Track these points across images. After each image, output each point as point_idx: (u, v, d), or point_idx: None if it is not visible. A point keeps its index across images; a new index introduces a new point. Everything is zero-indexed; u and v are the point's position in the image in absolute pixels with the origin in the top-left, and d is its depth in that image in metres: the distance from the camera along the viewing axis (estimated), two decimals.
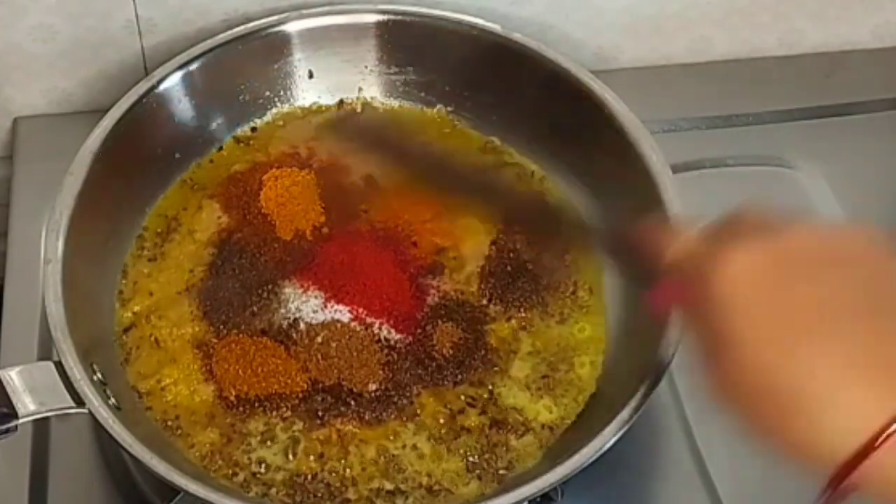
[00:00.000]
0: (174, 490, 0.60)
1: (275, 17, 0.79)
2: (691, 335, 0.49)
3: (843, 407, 0.43)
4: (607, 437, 0.61)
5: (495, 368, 0.70)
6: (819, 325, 0.44)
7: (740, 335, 0.45)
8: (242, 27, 0.78)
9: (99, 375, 0.64)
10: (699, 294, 0.47)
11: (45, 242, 0.68)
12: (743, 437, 0.47)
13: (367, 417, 0.68)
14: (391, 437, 0.67)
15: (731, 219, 0.50)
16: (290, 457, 0.66)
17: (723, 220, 0.50)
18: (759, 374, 0.44)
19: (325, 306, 0.72)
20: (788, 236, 0.46)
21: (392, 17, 0.80)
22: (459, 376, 0.70)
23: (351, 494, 0.65)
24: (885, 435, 0.41)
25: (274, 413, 0.67)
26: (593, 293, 0.74)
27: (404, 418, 0.68)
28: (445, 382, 0.69)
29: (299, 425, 0.67)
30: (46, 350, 0.71)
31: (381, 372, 0.69)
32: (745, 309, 0.45)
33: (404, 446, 0.67)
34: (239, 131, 0.80)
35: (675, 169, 0.72)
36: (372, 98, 0.82)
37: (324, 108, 0.82)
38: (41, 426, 0.69)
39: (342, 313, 0.71)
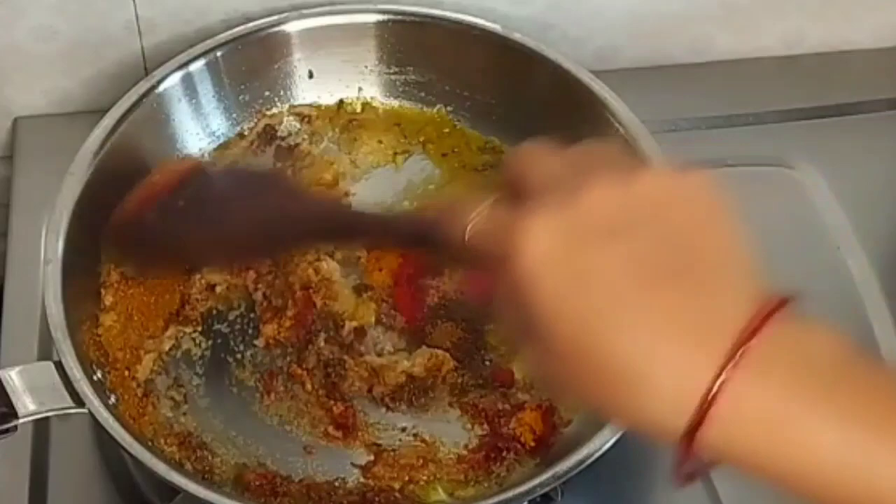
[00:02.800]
0: (174, 490, 0.60)
1: (275, 17, 0.79)
2: (509, 324, 0.45)
3: (666, 372, 0.40)
4: (607, 437, 0.61)
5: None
6: (625, 289, 0.40)
7: (546, 313, 0.41)
8: (242, 27, 0.78)
9: (98, 375, 0.64)
10: (502, 275, 0.43)
11: (45, 242, 0.68)
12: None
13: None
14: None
15: (519, 180, 0.46)
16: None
17: (510, 182, 0.47)
18: (575, 352, 0.41)
19: None
20: (587, 195, 0.42)
21: (392, 17, 0.80)
22: None
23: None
24: (714, 390, 0.39)
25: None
26: None
27: None
28: None
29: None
30: (46, 350, 0.71)
31: None
32: (546, 283, 0.41)
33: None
34: (239, 131, 0.80)
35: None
36: (372, 98, 0.82)
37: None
38: (41, 426, 0.69)
39: None
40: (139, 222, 0.65)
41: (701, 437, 0.40)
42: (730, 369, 0.39)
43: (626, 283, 0.41)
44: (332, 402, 0.68)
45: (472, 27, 0.79)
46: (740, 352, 0.39)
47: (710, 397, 0.39)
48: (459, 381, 0.69)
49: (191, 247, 0.65)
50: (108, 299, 0.70)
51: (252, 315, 0.72)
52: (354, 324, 0.71)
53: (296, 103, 0.81)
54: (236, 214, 0.63)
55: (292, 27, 0.79)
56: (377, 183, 0.79)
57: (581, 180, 0.43)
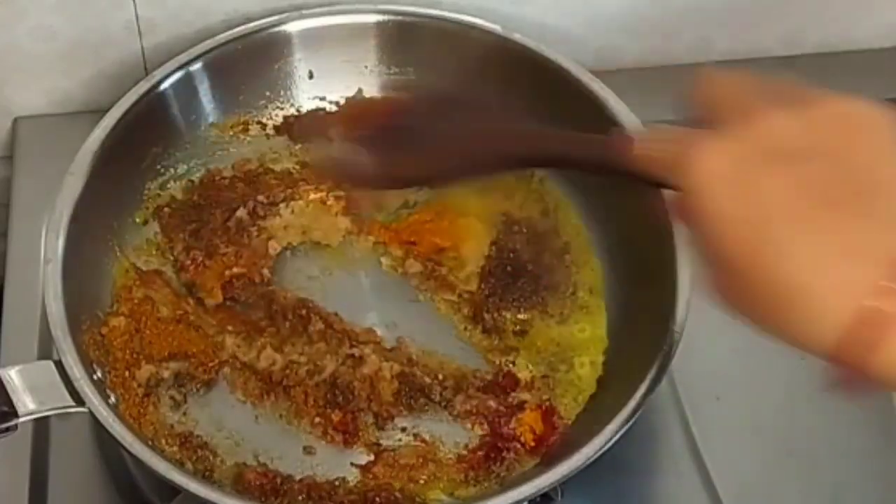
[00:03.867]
0: (174, 490, 0.60)
1: (275, 17, 0.79)
2: (693, 240, 0.47)
3: (830, 287, 0.41)
4: (607, 437, 0.61)
5: None
6: (794, 207, 0.42)
7: (715, 229, 0.44)
8: (242, 27, 0.78)
9: (98, 375, 0.64)
10: (680, 193, 0.46)
11: (45, 242, 0.68)
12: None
13: None
14: None
15: (709, 105, 0.48)
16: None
17: (696, 97, 0.49)
18: (741, 267, 0.43)
19: None
20: (765, 120, 0.45)
21: (392, 17, 0.80)
22: None
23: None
24: (870, 306, 0.40)
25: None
26: (593, 293, 0.74)
27: None
28: None
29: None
30: (46, 350, 0.71)
31: None
32: (716, 200, 0.44)
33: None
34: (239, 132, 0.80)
35: None
36: (371, 97, 0.82)
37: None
38: (41, 426, 0.69)
39: None
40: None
41: (856, 355, 0.41)
42: (887, 288, 0.41)
43: (796, 202, 0.42)
44: (330, 411, 0.68)
45: (471, 27, 0.79)
46: None
47: (868, 316, 0.41)
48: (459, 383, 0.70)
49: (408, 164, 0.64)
50: (122, 308, 0.71)
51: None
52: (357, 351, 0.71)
53: (296, 103, 0.81)
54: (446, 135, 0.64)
55: (292, 27, 0.79)
56: None
57: (758, 110, 0.45)
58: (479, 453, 0.67)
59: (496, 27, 0.79)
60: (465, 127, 0.63)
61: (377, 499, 0.65)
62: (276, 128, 0.81)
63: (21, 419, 0.58)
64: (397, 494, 0.65)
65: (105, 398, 0.62)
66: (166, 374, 0.68)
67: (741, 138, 0.44)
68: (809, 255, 0.42)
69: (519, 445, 0.67)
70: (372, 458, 0.67)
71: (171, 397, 0.68)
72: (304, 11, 0.79)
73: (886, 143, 0.44)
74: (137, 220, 0.75)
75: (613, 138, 0.52)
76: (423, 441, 0.67)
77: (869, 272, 0.41)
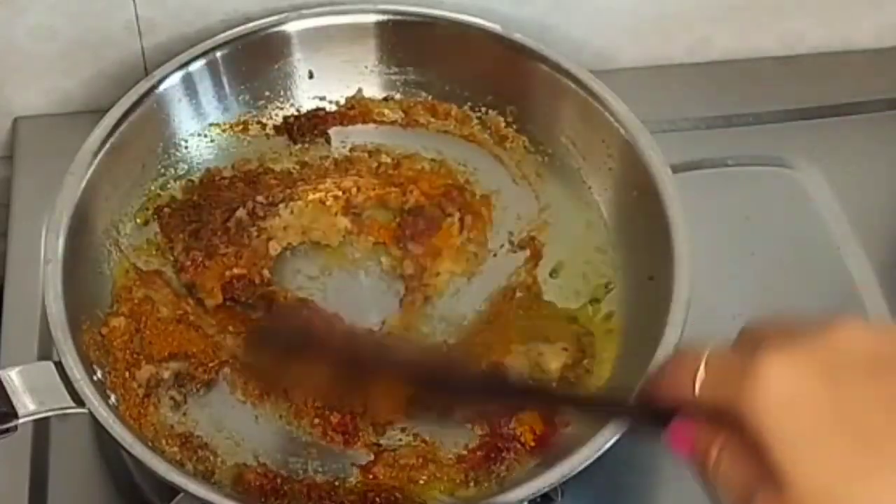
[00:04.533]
0: (174, 490, 0.60)
1: (275, 17, 0.79)
2: (718, 481, 0.41)
3: None
4: (607, 437, 0.60)
5: None
6: (889, 432, 0.36)
7: (791, 457, 0.36)
8: (242, 27, 0.78)
9: (99, 375, 0.64)
10: (733, 423, 0.39)
11: (45, 242, 0.68)
12: None
13: None
14: None
15: (753, 328, 0.42)
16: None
17: (744, 332, 0.43)
18: (821, 501, 0.36)
19: None
20: (837, 332, 0.38)
21: (392, 17, 0.80)
22: None
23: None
24: None
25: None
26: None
27: None
28: None
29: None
30: (46, 350, 0.71)
31: None
32: (794, 423, 0.37)
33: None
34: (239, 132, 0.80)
35: (675, 169, 0.72)
36: (371, 97, 0.82)
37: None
38: (41, 426, 0.69)
39: None
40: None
41: None
42: None
43: (890, 426, 0.36)
44: (329, 412, 0.68)
45: (472, 27, 0.79)
46: None
47: None
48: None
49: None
50: (122, 308, 0.70)
51: None
52: None
53: (296, 104, 0.81)
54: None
55: (292, 27, 0.79)
56: None
57: (824, 323, 0.39)
58: (479, 453, 0.67)
59: (496, 27, 0.79)
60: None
61: (377, 499, 0.65)
62: (276, 128, 0.81)
63: (21, 420, 0.58)
64: (397, 495, 0.65)
65: (105, 399, 0.62)
66: (166, 374, 0.68)
67: (812, 349, 0.37)
68: None
69: (519, 445, 0.67)
70: (372, 458, 0.67)
71: (172, 398, 0.68)
72: (304, 11, 0.79)
73: None
74: (138, 220, 0.75)
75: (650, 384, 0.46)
76: (423, 441, 0.67)
77: None
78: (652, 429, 0.48)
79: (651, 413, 0.45)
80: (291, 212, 0.76)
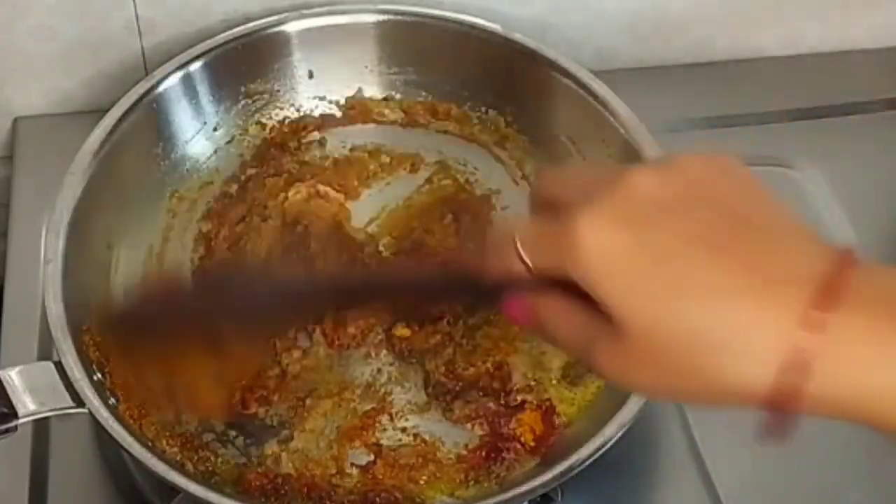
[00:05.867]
0: (174, 490, 0.60)
1: (275, 17, 0.79)
2: (565, 335, 0.44)
3: (751, 333, 0.39)
4: (607, 438, 0.61)
5: None
6: (696, 258, 0.40)
7: (620, 304, 0.41)
8: (242, 27, 0.78)
9: (99, 375, 0.64)
10: (566, 285, 0.42)
11: (45, 242, 0.68)
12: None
13: None
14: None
15: (545, 196, 0.45)
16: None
17: (537, 197, 0.46)
18: (653, 339, 0.40)
19: None
20: (629, 180, 0.42)
21: (392, 17, 0.80)
22: None
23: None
24: (804, 339, 0.38)
25: None
26: None
27: None
28: None
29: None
30: (46, 350, 0.71)
31: None
32: (615, 273, 0.40)
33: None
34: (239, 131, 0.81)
35: None
36: (371, 97, 0.82)
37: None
38: (41, 426, 0.69)
39: None
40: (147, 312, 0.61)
41: (794, 390, 0.39)
42: (817, 316, 0.38)
43: (697, 253, 0.40)
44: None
45: (472, 27, 0.79)
46: (825, 297, 0.39)
47: (801, 347, 0.38)
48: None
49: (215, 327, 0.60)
50: None
51: None
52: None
53: (296, 104, 0.81)
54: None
55: (292, 27, 0.79)
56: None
57: (615, 176, 0.42)
58: (479, 453, 0.67)
59: (496, 27, 0.79)
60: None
61: (377, 499, 0.64)
62: (275, 128, 0.81)
63: (21, 420, 0.58)
64: (397, 495, 0.65)
65: (105, 399, 0.62)
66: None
67: (613, 202, 0.41)
68: (728, 303, 0.39)
69: (519, 445, 0.67)
70: (372, 458, 0.67)
71: None
72: (304, 11, 0.79)
73: (753, 182, 0.43)
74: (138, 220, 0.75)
75: (473, 264, 0.47)
76: (423, 441, 0.67)
77: (790, 303, 0.39)
78: (488, 305, 0.52)
79: (484, 292, 0.48)
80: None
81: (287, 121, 0.81)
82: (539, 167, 0.79)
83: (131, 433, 0.60)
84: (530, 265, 0.44)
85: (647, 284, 0.40)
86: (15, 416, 0.58)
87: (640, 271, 0.40)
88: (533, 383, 0.69)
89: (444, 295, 0.59)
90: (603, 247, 0.41)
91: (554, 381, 0.69)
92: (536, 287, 0.44)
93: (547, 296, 0.44)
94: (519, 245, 0.44)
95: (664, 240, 0.41)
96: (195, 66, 0.76)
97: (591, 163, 0.44)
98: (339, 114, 0.82)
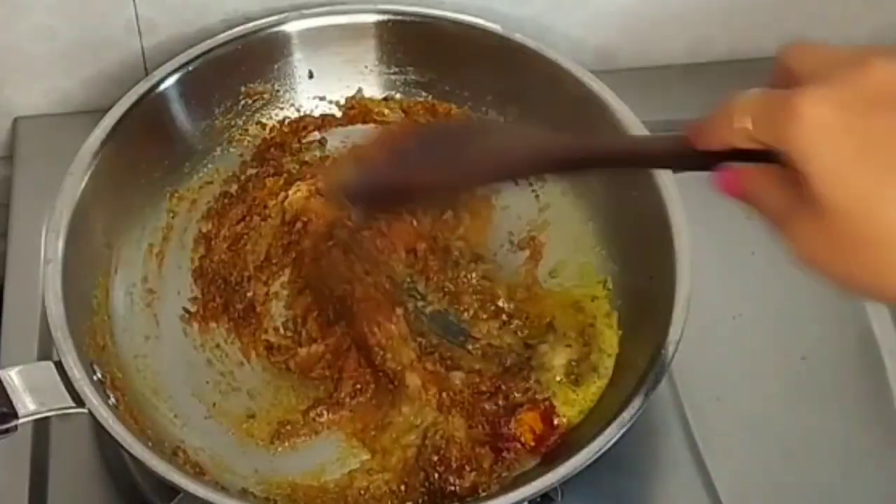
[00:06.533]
0: (174, 490, 0.60)
1: (275, 17, 0.79)
2: (767, 206, 0.46)
3: None
4: (607, 438, 0.61)
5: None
6: None
7: (824, 182, 0.41)
8: (242, 27, 0.78)
9: (99, 375, 0.64)
10: (777, 159, 0.44)
11: (45, 242, 0.68)
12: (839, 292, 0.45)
13: None
14: None
15: (786, 65, 0.46)
16: None
17: (780, 64, 0.46)
18: (849, 222, 0.41)
19: None
20: (868, 69, 0.42)
21: (392, 17, 0.80)
22: None
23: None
24: None
25: None
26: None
27: None
28: None
29: None
30: (46, 350, 0.71)
31: None
32: (826, 151, 0.41)
33: None
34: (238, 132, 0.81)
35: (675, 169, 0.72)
36: (371, 97, 0.82)
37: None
38: (41, 426, 0.69)
39: None
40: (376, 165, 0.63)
41: None
42: None
43: None
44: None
45: (472, 27, 0.79)
46: None
47: None
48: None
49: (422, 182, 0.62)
50: None
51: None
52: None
53: (296, 104, 0.81)
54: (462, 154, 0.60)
55: (292, 27, 0.79)
56: None
57: (858, 60, 0.43)
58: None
59: (496, 27, 0.79)
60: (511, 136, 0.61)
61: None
62: (275, 128, 0.81)
63: (21, 420, 0.58)
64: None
65: (105, 399, 0.62)
66: None
67: (845, 85, 0.42)
68: None
69: (519, 445, 0.67)
70: (370, 456, 0.67)
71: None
72: (304, 11, 0.79)
73: None
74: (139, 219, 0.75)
75: (690, 130, 0.50)
76: None
77: None
78: (692, 170, 0.52)
79: (695, 158, 0.50)
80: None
81: (287, 121, 0.81)
82: None
83: (131, 433, 0.60)
84: (749, 132, 0.45)
85: (860, 167, 0.41)
86: (15, 416, 0.58)
87: (856, 153, 0.41)
88: (533, 383, 0.69)
89: (656, 161, 0.60)
90: (822, 122, 0.41)
91: (554, 382, 0.69)
92: (745, 157, 0.46)
93: (755, 167, 0.46)
94: (740, 111, 0.45)
95: (888, 128, 0.41)
96: (195, 66, 0.76)
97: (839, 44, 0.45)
98: (339, 114, 0.82)
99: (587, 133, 0.67)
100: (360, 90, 0.82)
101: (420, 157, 0.61)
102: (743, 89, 0.46)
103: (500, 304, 0.72)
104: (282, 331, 0.72)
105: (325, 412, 0.68)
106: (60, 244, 0.66)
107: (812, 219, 0.43)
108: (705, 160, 0.49)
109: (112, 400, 0.64)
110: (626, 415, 0.61)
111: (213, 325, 0.72)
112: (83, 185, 0.69)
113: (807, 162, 0.42)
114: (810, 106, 0.42)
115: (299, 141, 0.81)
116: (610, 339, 0.71)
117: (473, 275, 0.74)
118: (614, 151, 0.57)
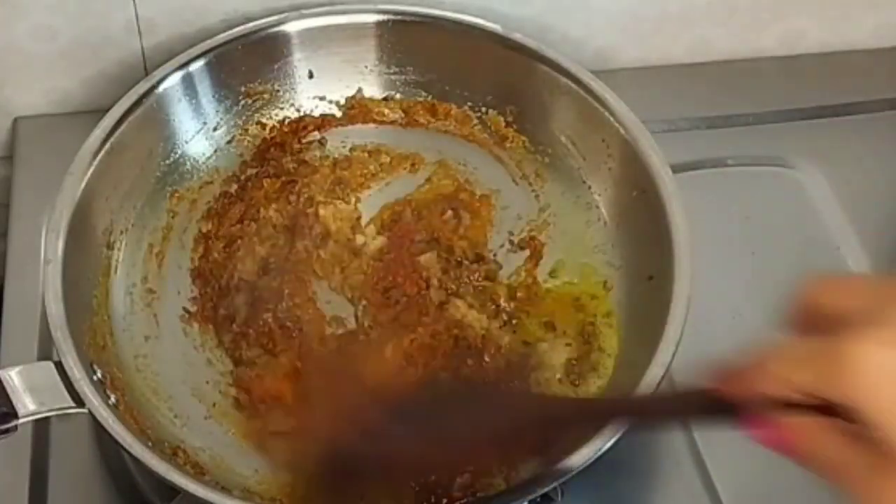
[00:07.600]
0: (174, 490, 0.60)
1: (275, 17, 0.79)
2: (827, 463, 0.42)
3: None
4: (607, 438, 0.60)
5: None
6: None
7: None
8: (242, 27, 0.78)
9: (99, 375, 0.64)
10: (826, 410, 0.40)
11: (45, 242, 0.68)
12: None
13: None
14: None
15: (816, 306, 0.43)
16: None
17: (806, 311, 0.43)
18: None
19: None
20: None
21: (392, 17, 0.80)
22: None
23: None
24: None
25: None
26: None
27: None
28: None
29: None
30: (46, 350, 0.71)
31: None
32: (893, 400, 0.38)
33: None
34: (239, 132, 0.80)
35: (675, 169, 0.72)
36: (371, 97, 0.82)
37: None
38: (41, 426, 0.69)
39: None
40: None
41: None
42: None
43: None
44: None
45: (472, 27, 0.79)
46: None
47: None
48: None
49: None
50: None
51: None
52: None
53: (296, 104, 0.81)
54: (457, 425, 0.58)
55: (292, 27, 0.79)
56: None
57: (892, 297, 0.40)
58: None
59: (496, 27, 0.79)
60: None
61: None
62: (275, 128, 0.81)
63: (21, 420, 0.58)
64: None
65: (105, 399, 0.62)
66: None
67: (893, 324, 0.39)
68: None
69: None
70: None
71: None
72: (304, 11, 0.79)
73: None
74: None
75: (713, 383, 0.46)
76: None
77: None
78: (714, 422, 0.49)
79: (718, 410, 0.47)
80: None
81: (287, 121, 0.81)
82: (538, 169, 0.79)
83: (131, 433, 0.60)
84: (792, 384, 0.41)
85: None
86: (15, 416, 0.58)
87: None
88: (533, 382, 0.69)
89: (680, 414, 0.55)
90: (887, 369, 0.38)
91: (554, 381, 0.69)
92: (783, 408, 0.42)
93: (801, 418, 0.42)
94: (781, 363, 0.42)
95: None
96: (195, 66, 0.76)
97: (868, 275, 0.42)
98: (339, 114, 0.82)
99: (604, 395, 0.66)
100: (360, 90, 0.82)
101: (403, 426, 0.58)
102: (770, 341, 0.44)
103: (500, 303, 0.72)
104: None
105: None
106: (60, 244, 0.66)
107: (883, 469, 0.40)
108: (732, 412, 0.46)
109: (112, 400, 0.64)
110: None
111: (212, 325, 0.72)
112: (83, 185, 0.69)
113: (877, 414, 0.39)
114: (870, 353, 0.39)
115: (299, 141, 0.81)
116: (610, 338, 0.71)
117: (475, 275, 0.74)
118: (625, 414, 0.56)
